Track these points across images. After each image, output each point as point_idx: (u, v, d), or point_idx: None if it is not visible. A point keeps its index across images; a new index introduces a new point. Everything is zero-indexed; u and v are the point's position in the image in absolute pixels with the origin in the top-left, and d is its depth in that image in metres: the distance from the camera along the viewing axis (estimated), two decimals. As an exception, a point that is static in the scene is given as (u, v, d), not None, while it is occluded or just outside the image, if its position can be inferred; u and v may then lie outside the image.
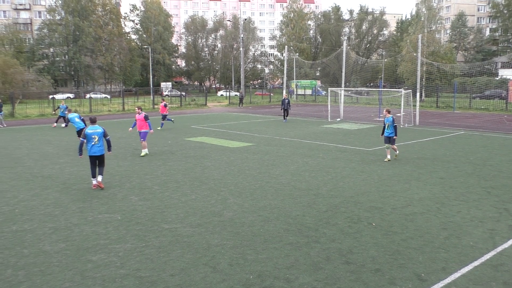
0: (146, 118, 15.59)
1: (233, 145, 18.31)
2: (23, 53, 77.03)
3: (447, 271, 6.22)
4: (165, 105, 25.02)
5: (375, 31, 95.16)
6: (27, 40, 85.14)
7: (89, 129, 10.72)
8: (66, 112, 23.00)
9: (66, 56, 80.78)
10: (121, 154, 16.19)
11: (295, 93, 64.54)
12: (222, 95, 72.17)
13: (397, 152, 15.04)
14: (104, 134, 10.81)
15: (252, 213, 8.88)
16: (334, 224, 8.23)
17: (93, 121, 10.89)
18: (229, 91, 62.42)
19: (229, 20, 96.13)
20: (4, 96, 40.38)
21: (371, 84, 73.70)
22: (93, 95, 53.57)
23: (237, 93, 60.83)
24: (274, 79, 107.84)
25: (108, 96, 61.34)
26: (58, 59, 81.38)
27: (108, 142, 11.00)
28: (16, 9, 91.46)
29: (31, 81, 60.51)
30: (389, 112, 14.59)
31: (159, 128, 23.97)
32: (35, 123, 29.23)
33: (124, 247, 7.17)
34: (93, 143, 10.63)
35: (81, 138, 10.74)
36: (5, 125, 26.99)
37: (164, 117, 24.94)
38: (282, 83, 49.69)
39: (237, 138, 20.70)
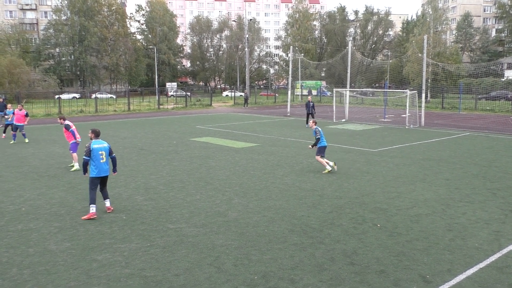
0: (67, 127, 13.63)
1: (238, 146, 18.32)
2: (29, 53, 77.52)
3: (452, 273, 6.20)
4: (27, 115, 20.64)
5: (380, 32, 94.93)
6: (33, 40, 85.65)
7: (95, 144, 8.88)
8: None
9: (72, 56, 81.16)
10: (127, 154, 16.24)
11: (301, 93, 64.52)
12: (227, 95, 72.24)
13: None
14: (110, 151, 9.09)
15: (257, 214, 8.88)
16: (339, 225, 8.22)
17: (97, 135, 9.08)
18: (234, 92, 62.45)
19: (234, 21, 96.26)
20: (10, 96, 40.59)
21: (377, 84, 73.52)
22: (98, 95, 53.77)
23: (242, 94, 60.89)
24: (279, 79, 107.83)
25: (114, 96, 61.56)
26: (64, 59, 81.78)
27: (114, 160, 9.19)
28: (22, 9, 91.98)
29: (37, 81, 60.91)
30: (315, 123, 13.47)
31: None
32: (41, 123, 29.37)
33: (129, 246, 7.19)
34: (101, 161, 8.80)
35: (85, 156, 8.76)
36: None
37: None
38: (287, 83, 49.70)
39: (242, 138, 20.72)
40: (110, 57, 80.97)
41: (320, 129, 13.11)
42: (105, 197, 9.14)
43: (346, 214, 8.88)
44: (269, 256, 6.76)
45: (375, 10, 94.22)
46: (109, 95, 62.07)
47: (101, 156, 8.79)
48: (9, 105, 21.83)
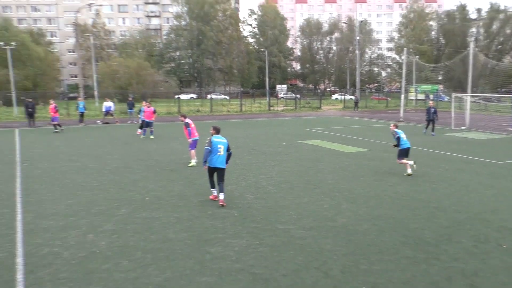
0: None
1: (348, 150, 17.99)
2: (153, 56, 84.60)
3: None
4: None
5: (507, 31, 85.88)
6: (157, 45, 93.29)
7: (215, 138, 9.70)
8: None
9: (190, 59, 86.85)
10: (239, 153, 16.89)
11: (415, 98, 61.19)
12: (336, 98, 71.35)
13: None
14: (228, 147, 9.82)
15: (366, 222, 8.64)
16: (457, 241, 7.63)
17: (218, 131, 9.93)
18: (344, 95, 61.38)
19: (344, 23, 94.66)
20: (137, 95, 44.65)
21: (503, 90, 66.78)
22: (213, 96, 56.72)
23: (352, 97, 59.65)
24: (392, 83, 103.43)
25: (227, 97, 64.42)
26: (183, 61, 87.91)
27: (229, 156, 9.86)
28: (148, 16, 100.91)
29: (160, 82, 66.21)
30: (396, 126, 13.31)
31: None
32: (163, 120, 31.83)
33: (240, 242, 7.47)
34: (218, 153, 9.58)
35: (206, 147, 9.56)
36: (136, 122, 29.84)
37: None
38: (400, 87, 47.49)
39: (352, 142, 20.28)
40: (224, 60, 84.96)
41: (400, 132, 13.05)
42: (221, 190, 9.63)
43: (466, 230, 8.21)
44: (378, 267, 6.54)
45: (502, 7, 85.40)
46: (223, 96, 65.12)
47: (219, 150, 9.57)
48: (143, 103, 23.92)
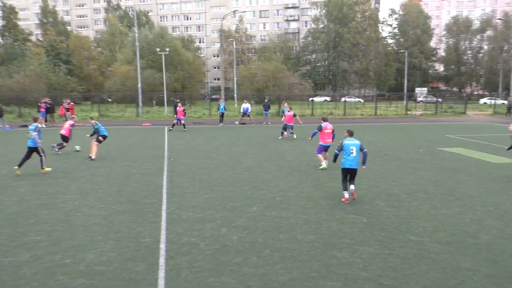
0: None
1: (496, 160, 16.17)
2: (290, 59, 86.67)
3: None
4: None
5: None
6: (294, 48, 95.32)
7: (347, 141, 10.16)
8: None
9: (326, 62, 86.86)
10: (371, 159, 16.36)
11: None
12: (485, 103, 64.70)
13: None
14: (361, 147, 10.14)
15: (516, 241, 7.68)
16: None
17: (351, 134, 10.31)
18: (495, 99, 55.32)
19: (500, 19, 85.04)
20: (272, 97, 46.21)
21: None
22: (347, 99, 55.92)
23: (505, 102, 53.44)
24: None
25: (362, 100, 62.96)
26: (318, 64, 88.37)
27: (365, 156, 10.15)
28: (287, 20, 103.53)
29: (295, 84, 67.55)
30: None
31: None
32: (296, 122, 32.35)
33: (368, 250, 7.24)
34: (351, 155, 10.00)
35: (336, 150, 10.32)
36: (270, 123, 30.88)
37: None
38: None
39: (501, 152, 18.12)
40: (360, 62, 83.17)
41: None
42: (351, 183, 10.16)
43: None
44: (529, 294, 5.77)
45: None
46: (357, 99, 63.76)
47: (351, 151, 10.01)
48: (285, 104, 25.02)
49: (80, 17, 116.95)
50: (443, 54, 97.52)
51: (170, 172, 13.58)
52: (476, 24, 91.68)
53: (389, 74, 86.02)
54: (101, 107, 40.80)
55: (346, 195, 10.10)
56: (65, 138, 17.40)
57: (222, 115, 31.38)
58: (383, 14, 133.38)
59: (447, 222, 8.77)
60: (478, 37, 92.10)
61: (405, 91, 64.46)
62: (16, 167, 12.99)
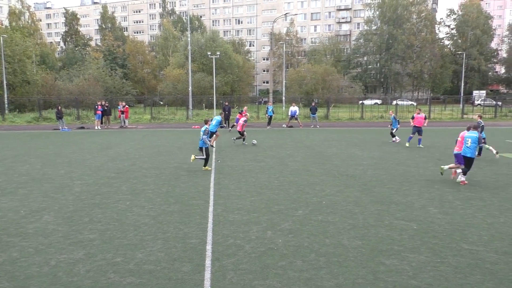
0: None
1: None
2: (340, 62, 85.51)
3: None
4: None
5: None
6: (345, 50, 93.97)
7: (468, 133, 12.44)
8: None
9: (378, 64, 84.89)
10: (422, 163, 15.83)
11: None
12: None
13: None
14: (478, 139, 12.26)
15: None
16: None
17: (475, 127, 12.59)
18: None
19: None
20: (321, 100, 45.76)
21: None
22: (399, 102, 54.33)
23: None
24: None
25: (414, 103, 60.97)
26: (370, 66, 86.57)
27: (480, 149, 14.15)
28: (339, 22, 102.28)
29: (344, 87, 66.57)
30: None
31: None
32: (345, 126, 31.92)
33: (418, 258, 6.97)
34: (466, 145, 12.20)
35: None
36: (318, 126, 30.61)
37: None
38: None
39: None
40: (414, 64, 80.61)
41: None
42: (463, 174, 12.32)
43: None
44: None
45: None
46: (410, 102, 61.83)
47: (467, 142, 12.21)
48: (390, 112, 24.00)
49: (137, 22, 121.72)
50: (504, 55, 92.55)
51: (217, 174, 13.74)
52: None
53: (445, 76, 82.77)
54: (153, 109, 42.10)
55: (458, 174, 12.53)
56: (240, 133, 21.03)
57: (270, 118, 31.44)
58: (440, 15, 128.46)
59: (505, 231, 8.28)
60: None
61: (461, 94, 61.75)
62: (206, 167, 14.46)
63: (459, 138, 13.16)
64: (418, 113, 20.76)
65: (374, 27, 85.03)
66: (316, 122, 32.37)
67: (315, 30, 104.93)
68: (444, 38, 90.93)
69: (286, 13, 73.75)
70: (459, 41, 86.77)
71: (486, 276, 6.31)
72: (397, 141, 21.91)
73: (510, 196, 10.93)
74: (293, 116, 31.30)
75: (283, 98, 55.20)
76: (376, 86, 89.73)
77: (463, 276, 6.31)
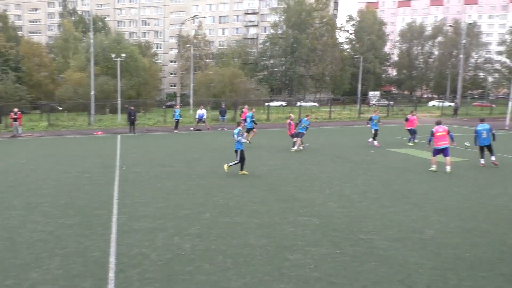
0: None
1: (442, 159, 16.83)
2: (247, 64, 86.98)
3: None
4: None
5: None
6: (252, 53, 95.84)
7: (479, 127, 15.25)
8: None
9: (283, 67, 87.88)
10: (323, 161, 16.70)
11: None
12: (433, 105, 67.41)
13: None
14: (490, 129, 15.09)
15: (457, 235, 8.02)
16: None
17: (482, 120, 15.63)
18: (443, 101, 57.76)
19: (450, 25, 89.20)
20: (229, 103, 46.20)
21: None
22: (303, 103, 56.71)
23: (452, 104, 55.94)
24: (498, 89, 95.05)
25: (317, 104, 64.04)
26: (275, 69, 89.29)
27: (494, 136, 15.16)
28: (246, 25, 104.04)
29: (251, 89, 67.78)
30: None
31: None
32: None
33: (320, 251, 7.35)
34: (482, 136, 15.08)
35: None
36: (226, 129, 30.86)
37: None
38: (509, 93, 43.49)
39: (448, 153, 18.89)
40: (317, 67, 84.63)
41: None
42: (491, 154, 15.22)
43: None
44: (469, 283, 6.04)
45: None
46: (313, 103, 64.86)
47: (482, 134, 15.10)
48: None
49: (33, 22, 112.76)
50: (396, 59, 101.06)
51: (121, 182, 13.25)
52: (429, 30, 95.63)
53: (344, 78, 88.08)
54: (50, 116, 39.27)
55: (482, 161, 15.24)
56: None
57: (177, 121, 31.03)
58: (340, 20, 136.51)
59: (395, 219, 9.04)
60: (430, 43, 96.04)
61: (359, 95, 66.17)
62: (243, 171, 14.06)
63: (437, 134, 14.31)
64: (412, 115, 22.31)
65: (280, 31, 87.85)
66: (224, 125, 32.60)
67: (223, 33, 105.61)
68: (344, 43, 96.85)
69: (195, 16, 73.26)
70: (357, 45, 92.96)
71: (379, 262, 6.85)
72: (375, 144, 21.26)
73: (399, 188, 11.96)
74: (200, 119, 31.17)
75: (191, 101, 54.76)
76: (282, 88, 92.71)
77: (359, 264, 6.78)
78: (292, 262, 6.89)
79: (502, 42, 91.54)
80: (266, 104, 48.17)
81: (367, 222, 8.90)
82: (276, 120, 39.12)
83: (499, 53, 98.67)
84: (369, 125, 21.49)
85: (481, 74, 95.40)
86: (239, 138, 13.80)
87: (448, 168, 14.18)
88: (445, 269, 6.52)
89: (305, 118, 20.18)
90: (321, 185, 12.33)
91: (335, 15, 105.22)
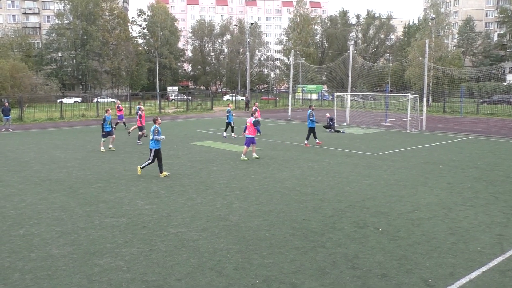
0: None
1: (239, 150, 18.29)
2: (31, 57, 77.65)
3: (454, 277, 6.19)
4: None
5: (382, 36, 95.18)
6: (36, 45, 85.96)
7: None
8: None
9: (74, 61, 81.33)
10: (127, 158, 16.27)
11: (302, 97, 64.61)
12: (228, 99, 72.32)
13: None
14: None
15: (257, 218, 8.88)
16: (340, 229, 8.21)
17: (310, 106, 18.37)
18: (235, 96, 62.34)
19: (235, 25, 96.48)
20: (12, 100, 40.69)
21: (378, 88, 73.53)
22: (100, 99, 53.80)
23: (243, 98, 60.97)
24: (280, 83, 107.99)
25: (115, 100, 61.56)
26: (66, 63, 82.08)
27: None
28: (25, 13, 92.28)
29: (39, 85, 60.95)
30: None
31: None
32: (43, 127, 29.43)
33: (131, 251, 7.19)
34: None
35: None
36: (12, 130, 27.20)
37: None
38: (288, 87, 49.81)
39: (243, 142, 20.62)
40: (111, 61, 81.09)
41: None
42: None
43: (347, 218, 8.87)
44: (270, 260, 6.76)
45: (377, 15, 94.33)
46: (111, 99, 62.20)
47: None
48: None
49: None
50: (190, 55, 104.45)
51: None
52: (217, 28, 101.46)
53: (142, 73, 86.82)
54: None
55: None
56: None
57: None
58: (132, 14, 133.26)
59: (202, 210, 9.46)
60: (220, 40, 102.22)
61: (158, 90, 66.30)
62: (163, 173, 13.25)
63: (248, 124, 15.89)
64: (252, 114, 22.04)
65: (66, 22, 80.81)
66: (9, 125, 28.55)
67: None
68: (138, 37, 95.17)
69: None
70: (151, 40, 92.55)
71: (191, 253, 7.09)
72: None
73: (204, 179, 12.53)
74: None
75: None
76: (75, 84, 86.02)
77: (172, 258, 6.89)
78: (102, 267, 6.58)
79: (279, 42, 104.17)
80: (59, 101, 44.01)
81: (176, 215, 9.08)
82: (71, 118, 36.20)
83: (278, 51, 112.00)
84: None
85: (265, 71, 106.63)
86: (155, 136, 12.90)
87: (254, 155, 16.10)
88: (250, 251, 7.15)
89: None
90: (127, 183, 12.00)
91: (126, 8, 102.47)
